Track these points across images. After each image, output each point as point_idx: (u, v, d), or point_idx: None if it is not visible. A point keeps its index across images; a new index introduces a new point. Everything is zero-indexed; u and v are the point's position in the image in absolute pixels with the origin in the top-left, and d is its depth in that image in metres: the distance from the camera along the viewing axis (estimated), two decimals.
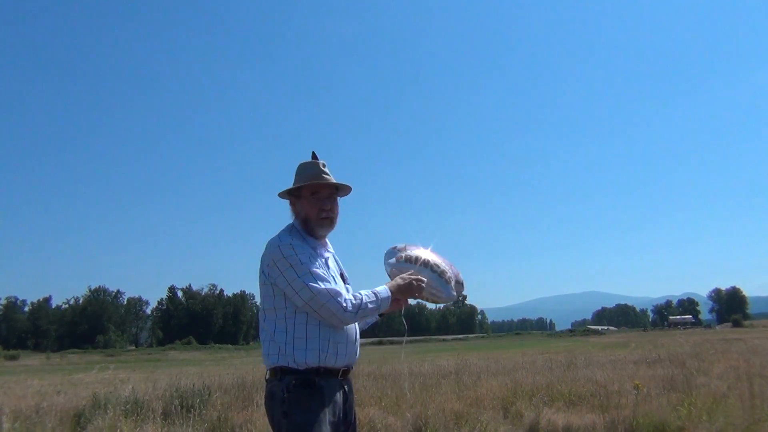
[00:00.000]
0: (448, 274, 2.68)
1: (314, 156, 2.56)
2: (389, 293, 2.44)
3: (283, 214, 2.59)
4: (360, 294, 2.38)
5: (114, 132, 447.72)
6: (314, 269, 2.35)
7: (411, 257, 2.67)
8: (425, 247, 2.76)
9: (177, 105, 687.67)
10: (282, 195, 2.58)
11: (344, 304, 2.31)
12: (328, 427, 2.27)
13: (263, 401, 2.42)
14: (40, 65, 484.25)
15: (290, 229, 2.51)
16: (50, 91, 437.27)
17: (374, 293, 2.40)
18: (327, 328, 2.36)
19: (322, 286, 2.31)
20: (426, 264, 2.64)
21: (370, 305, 2.36)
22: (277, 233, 2.48)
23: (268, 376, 2.38)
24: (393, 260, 2.71)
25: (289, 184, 2.56)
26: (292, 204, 2.57)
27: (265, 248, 2.43)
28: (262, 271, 2.42)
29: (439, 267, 2.66)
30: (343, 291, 2.37)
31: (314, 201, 2.49)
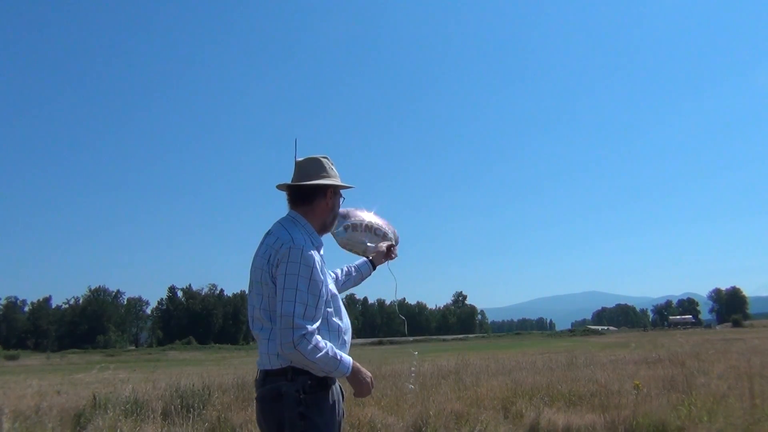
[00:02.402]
0: (389, 236, 3.08)
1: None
2: (348, 370, 2.29)
3: (283, 214, 2.50)
4: (327, 345, 2.22)
5: (114, 133, 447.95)
6: (321, 299, 2.25)
7: (356, 225, 3.00)
8: (369, 210, 3.09)
9: (176, 106, 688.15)
10: (323, 187, 2.47)
11: (295, 339, 2.14)
12: (338, 425, 2.33)
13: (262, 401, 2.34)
14: (41, 66, 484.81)
15: (303, 228, 2.40)
16: (51, 92, 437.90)
17: (338, 357, 2.25)
18: (337, 330, 2.36)
19: (303, 316, 2.18)
20: (369, 228, 3.02)
21: (320, 363, 2.19)
22: (285, 230, 2.35)
23: (269, 375, 2.28)
24: (341, 229, 2.96)
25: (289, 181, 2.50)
26: (328, 197, 2.48)
27: (278, 244, 2.29)
28: (264, 269, 2.30)
29: (380, 230, 3.05)
30: (313, 328, 2.19)
31: (338, 202, 2.58)
